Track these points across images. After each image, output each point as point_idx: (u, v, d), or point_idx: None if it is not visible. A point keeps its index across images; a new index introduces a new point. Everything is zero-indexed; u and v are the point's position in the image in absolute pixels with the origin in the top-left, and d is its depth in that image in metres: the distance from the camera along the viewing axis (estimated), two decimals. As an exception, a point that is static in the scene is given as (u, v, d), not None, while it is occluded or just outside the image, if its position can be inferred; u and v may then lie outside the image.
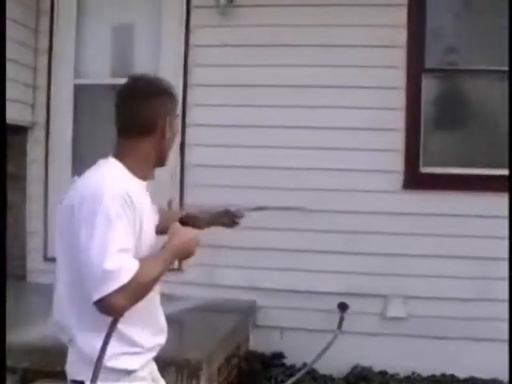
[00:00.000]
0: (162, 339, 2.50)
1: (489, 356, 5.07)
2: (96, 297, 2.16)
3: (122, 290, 2.15)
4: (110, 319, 2.23)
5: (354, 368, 5.34)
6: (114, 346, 2.26)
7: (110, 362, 2.28)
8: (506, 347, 4.71)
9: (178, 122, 2.56)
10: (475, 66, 5.36)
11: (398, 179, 5.38)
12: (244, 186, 5.40)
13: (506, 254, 4.90)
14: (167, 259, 2.34)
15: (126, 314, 2.24)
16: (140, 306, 2.26)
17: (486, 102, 5.49)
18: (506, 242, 4.97)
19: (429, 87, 5.41)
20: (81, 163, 5.73)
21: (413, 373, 5.27)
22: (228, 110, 5.50)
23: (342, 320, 5.35)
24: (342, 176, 5.41)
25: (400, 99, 5.35)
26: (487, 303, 5.20)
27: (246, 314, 5.36)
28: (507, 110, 5.08)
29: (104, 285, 2.14)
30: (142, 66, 5.70)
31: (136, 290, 2.20)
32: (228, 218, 2.92)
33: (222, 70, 5.54)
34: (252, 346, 5.44)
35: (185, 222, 2.49)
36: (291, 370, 5.27)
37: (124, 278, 2.16)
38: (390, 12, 5.33)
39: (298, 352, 5.35)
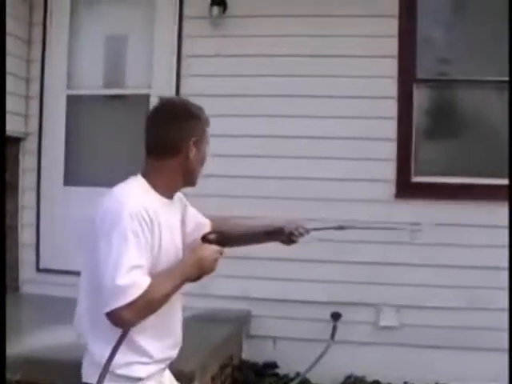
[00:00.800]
0: (173, 353, 2.57)
1: (481, 365, 5.10)
2: (107, 309, 2.27)
3: (130, 305, 2.25)
4: (120, 330, 2.32)
5: (347, 378, 5.33)
6: (125, 355, 2.37)
7: (119, 369, 2.39)
8: (498, 356, 4.85)
9: (208, 143, 2.61)
10: (466, 77, 5.36)
11: (390, 188, 5.39)
12: (235, 195, 5.42)
13: (497, 263, 5.05)
14: (180, 275, 2.41)
15: (142, 325, 2.34)
16: (157, 318, 2.36)
17: (477, 111, 5.50)
18: (498, 251, 4.99)
19: (420, 97, 5.44)
20: (73, 173, 5.75)
21: (405, 382, 5.25)
22: (220, 120, 5.44)
23: (334, 329, 5.34)
24: (333, 185, 5.41)
25: (392, 109, 5.38)
26: (479, 312, 5.20)
27: (240, 323, 5.34)
28: (507, 118, 5.10)
29: (114, 299, 2.25)
30: (135, 77, 5.72)
31: (145, 306, 2.29)
32: (286, 237, 2.91)
33: (214, 79, 5.55)
34: (245, 356, 5.44)
35: (207, 239, 2.56)
36: (284, 380, 5.27)
37: (133, 294, 2.25)
38: (381, 22, 5.36)
39: (291, 361, 5.34)
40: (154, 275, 2.34)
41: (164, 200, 2.49)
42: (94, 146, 5.82)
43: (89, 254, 2.41)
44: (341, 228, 3.12)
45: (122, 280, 2.25)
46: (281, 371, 5.38)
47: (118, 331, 2.32)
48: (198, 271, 2.47)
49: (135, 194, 2.40)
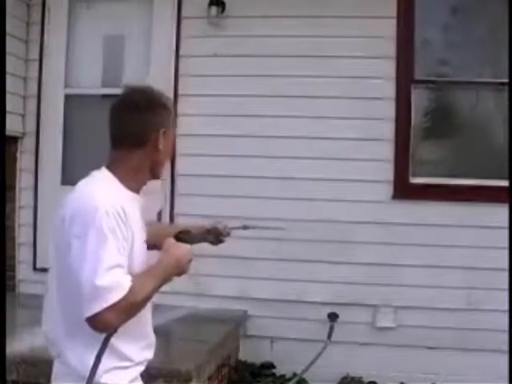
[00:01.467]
0: (150, 354, 2.47)
1: (479, 365, 5.12)
2: (87, 314, 2.14)
3: (113, 307, 2.13)
4: (102, 336, 2.20)
5: (344, 378, 5.34)
6: (104, 360, 2.24)
7: (101, 377, 2.25)
8: (495, 357, 4.90)
9: (174, 134, 2.51)
10: (464, 78, 5.38)
11: (388, 189, 5.40)
12: (234, 195, 5.42)
13: (496, 265, 5.09)
14: (161, 276, 2.30)
15: (119, 329, 2.23)
16: (132, 320, 2.25)
17: (475, 112, 5.50)
18: (497, 252, 5.03)
19: (418, 98, 5.44)
20: (71, 173, 5.74)
21: (402, 383, 5.26)
22: (218, 120, 5.51)
23: (331, 330, 5.34)
24: (331, 186, 5.42)
25: (390, 110, 5.39)
26: (477, 313, 5.23)
27: (237, 323, 5.35)
28: (507, 119, 5.11)
29: (95, 302, 2.12)
30: (133, 77, 5.71)
31: (129, 308, 2.18)
32: (214, 236, 2.85)
33: (212, 79, 5.57)
34: (242, 356, 5.44)
35: (179, 237, 2.44)
36: (281, 380, 5.27)
37: (116, 295, 2.14)
38: (379, 23, 5.37)
39: (287, 362, 5.35)
40: (134, 276, 2.22)
41: (131, 194, 2.37)
42: (92, 146, 5.79)
43: (59, 255, 2.27)
44: (245, 228, 2.97)
45: (102, 280, 2.12)
46: (278, 371, 5.39)
47: (99, 336, 2.19)
48: (176, 272, 2.36)
49: (106, 189, 2.29)
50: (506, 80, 5.18)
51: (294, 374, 5.27)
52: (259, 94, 5.48)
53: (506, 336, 4.79)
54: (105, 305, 2.11)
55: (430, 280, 5.30)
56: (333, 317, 5.38)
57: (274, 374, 5.36)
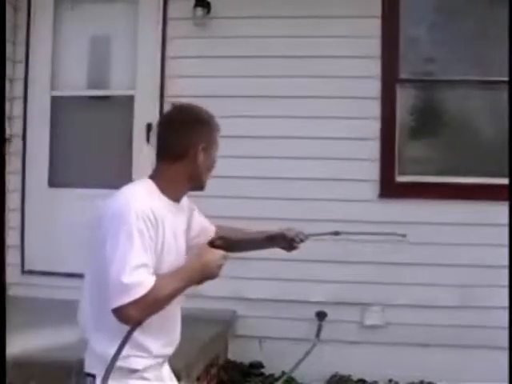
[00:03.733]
0: (169, 351, 2.64)
1: (468, 364, 5.14)
2: (113, 305, 2.33)
3: (135, 303, 2.32)
4: (125, 328, 2.37)
5: (333, 376, 5.33)
6: (124, 349, 2.40)
7: (119, 361, 2.40)
8: (488, 354, 4.97)
9: (216, 148, 2.68)
10: (450, 76, 5.39)
11: (374, 188, 5.40)
12: (223, 195, 5.35)
13: (485, 261, 5.11)
14: (184, 278, 2.46)
15: (143, 324, 2.39)
16: (157, 316, 2.41)
17: (461, 111, 5.51)
18: (487, 249, 5.08)
19: (404, 97, 5.45)
20: (58, 175, 5.73)
21: (390, 380, 5.28)
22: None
23: (320, 328, 5.35)
24: (317, 185, 5.41)
25: (375, 109, 5.38)
26: (466, 311, 5.23)
27: (226, 323, 5.35)
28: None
29: (120, 296, 2.32)
30: (119, 78, 5.70)
31: (150, 305, 2.36)
32: (286, 242, 2.99)
33: (198, 80, 5.54)
34: (231, 356, 5.44)
35: (214, 244, 2.63)
36: (270, 379, 5.27)
37: (138, 292, 2.32)
38: (364, 23, 5.37)
39: (276, 361, 5.34)
40: (159, 276, 2.40)
41: (170, 202, 2.57)
42: (79, 147, 5.80)
43: (93, 250, 2.48)
44: (337, 234, 3.22)
45: (128, 278, 2.32)
46: (266, 371, 5.38)
47: (122, 328, 2.37)
48: (203, 275, 2.52)
49: (141, 194, 2.48)
50: (492, 78, 5.22)
51: (283, 373, 5.26)
52: (245, 95, 5.49)
53: (503, 333, 4.76)
54: (127, 300, 2.31)
55: (417, 278, 5.29)
56: (321, 315, 5.38)
57: (262, 374, 5.35)
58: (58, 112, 5.86)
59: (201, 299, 5.07)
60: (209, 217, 3.00)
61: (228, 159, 5.19)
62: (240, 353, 5.43)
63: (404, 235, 3.75)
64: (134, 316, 2.35)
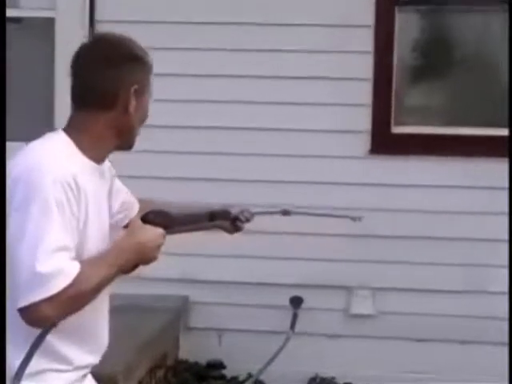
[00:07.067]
0: (95, 359, 2.37)
1: (475, 361, 4.85)
2: (21, 303, 2.05)
3: (53, 298, 2.05)
4: (37, 331, 2.11)
5: (312, 379, 5.07)
6: (37, 361, 2.13)
7: (31, 380, 2.14)
8: (493, 350, 4.66)
9: (149, 94, 2.33)
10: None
11: (364, 141, 5.04)
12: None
13: (497, 235, 4.75)
14: (116, 263, 2.18)
15: (61, 326, 2.13)
16: (78, 317, 2.15)
17: (475, 44, 5.25)
18: (497, 219, 4.75)
19: (404, 25, 5.08)
20: None
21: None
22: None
23: (295, 318, 5.02)
24: (294, 138, 5.05)
25: (368, 40, 4.99)
26: (475, 296, 4.94)
27: (176, 313, 5.10)
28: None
29: (33, 290, 2.04)
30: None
31: (72, 300, 2.09)
32: (229, 221, 2.79)
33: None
34: (183, 354, 5.17)
35: (146, 219, 2.33)
36: (233, 383, 5.07)
37: (58, 284, 2.04)
38: None
39: (240, 360, 5.04)
40: (82, 262, 2.13)
41: (92, 165, 2.27)
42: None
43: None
44: (286, 213, 3.07)
45: (44, 267, 2.03)
46: (228, 372, 5.11)
47: (33, 331, 2.09)
48: (137, 259, 2.23)
49: (59, 154, 2.20)
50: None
51: (249, 375, 4.96)
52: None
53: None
54: (42, 295, 2.04)
55: (416, 255, 4.96)
56: (296, 302, 5.05)
57: (223, 376, 5.10)
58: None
59: (143, 283, 4.65)
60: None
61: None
62: (194, 350, 5.14)
63: (359, 218, 3.32)
64: (49, 316, 2.05)
